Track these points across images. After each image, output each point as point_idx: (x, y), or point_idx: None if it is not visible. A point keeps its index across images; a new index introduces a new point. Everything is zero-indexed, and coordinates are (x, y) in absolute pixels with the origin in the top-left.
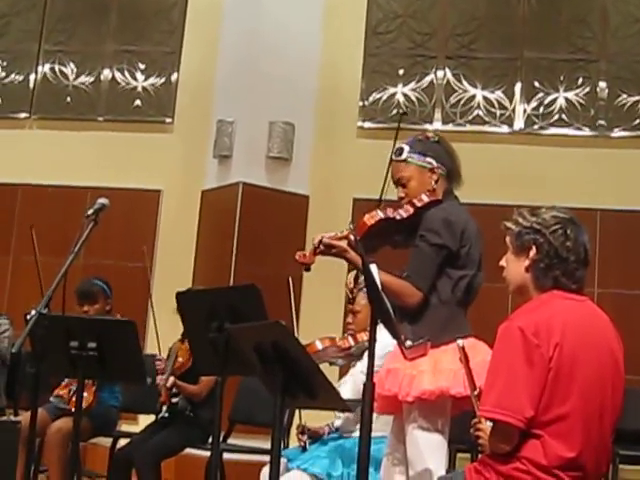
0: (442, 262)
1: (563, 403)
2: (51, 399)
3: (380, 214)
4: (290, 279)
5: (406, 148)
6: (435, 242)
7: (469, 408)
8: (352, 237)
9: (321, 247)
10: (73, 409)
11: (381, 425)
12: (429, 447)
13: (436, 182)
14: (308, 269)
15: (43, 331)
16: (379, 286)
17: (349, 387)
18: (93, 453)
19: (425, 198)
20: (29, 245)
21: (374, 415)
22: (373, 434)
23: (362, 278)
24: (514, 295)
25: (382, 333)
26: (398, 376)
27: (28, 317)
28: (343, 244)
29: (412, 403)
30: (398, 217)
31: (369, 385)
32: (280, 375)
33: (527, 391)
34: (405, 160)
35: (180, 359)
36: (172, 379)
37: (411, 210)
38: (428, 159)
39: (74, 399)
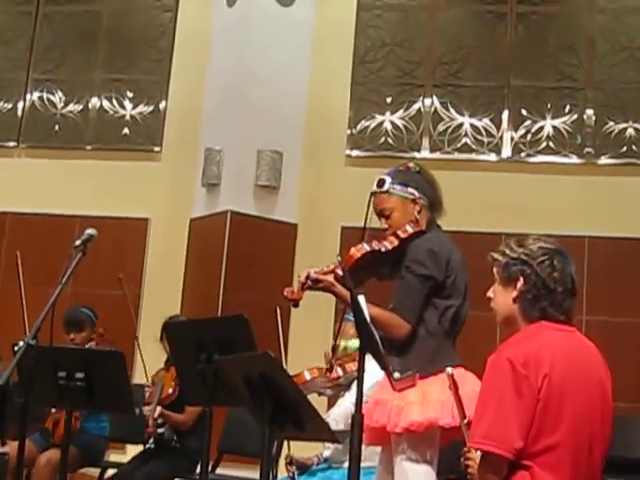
0: (428, 293)
1: (552, 434)
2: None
3: (366, 247)
4: (278, 309)
5: (388, 179)
6: (421, 273)
7: (458, 438)
8: (339, 271)
9: (308, 282)
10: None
11: (370, 455)
12: (417, 478)
13: (419, 212)
14: (296, 305)
15: (31, 362)
16: (367, 318)
17: (338, 418)
18: None
19: (409, 229)
20: (16, 274)
21: (362, 446)
22: (362, 464)
23: (350, 314)
24: (502, 326)
25: (371, 363)
26: (386, 407)
27: (16, 348)
28: (330, 278)
29: (400, 434)
30: (383, 249)
31: (357, 417)
32: (268, 406)
33: (516, 422)
34: (387, 191)
35: (169, 389)
36: (159, 409)
37: (395, 242)
38: (410, 190)
39: (58, 431)
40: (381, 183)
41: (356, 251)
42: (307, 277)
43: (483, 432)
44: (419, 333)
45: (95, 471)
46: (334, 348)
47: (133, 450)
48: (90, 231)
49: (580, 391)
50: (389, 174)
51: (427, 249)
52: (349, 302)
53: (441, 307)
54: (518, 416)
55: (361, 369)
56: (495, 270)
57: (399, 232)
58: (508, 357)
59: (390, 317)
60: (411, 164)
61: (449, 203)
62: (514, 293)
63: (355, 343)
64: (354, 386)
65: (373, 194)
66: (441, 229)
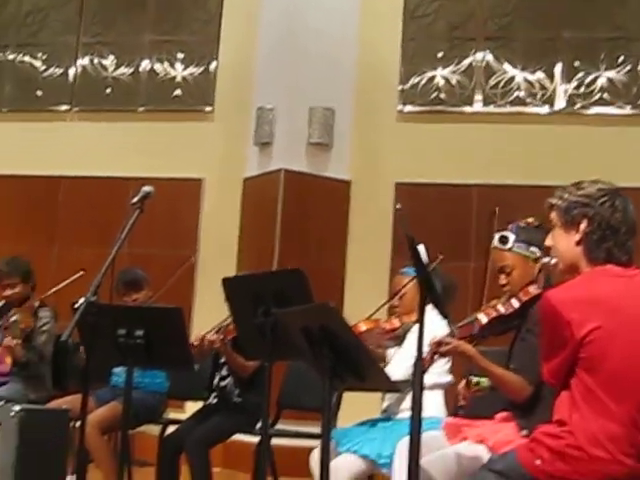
0: None
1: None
2: None
3: (494, 313)
4: None
5: (511, 237)
6: None
7: None
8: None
9: (437, 349)
10: None
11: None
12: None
13: (539, 271)
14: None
15: (92, 319)
16: (427, 268)
17: (397, 367)
18: (141, 441)
19: (532, 291)
20: (72, 236)
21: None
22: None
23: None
24: (563, 274)
25: (428, 315)
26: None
27: (76, 306)
28: (456, 341)
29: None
30: (505, 312)
31: (419, 364)
32: (328, 358)
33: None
34: (510, 249)
35: (233, 326)
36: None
37: (517, 305)
38: (532, 248)
39: None
40: (504, 240)
41: (484, 315)
42: (436, 345)
43: None
44: (543, 393)
45: (155, 428)
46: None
47: (192, 407)
48: (147, 188)
49: (633, 340)
50: (512, 230)
51: None
52: (477, 362)
53: None
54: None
55: (421, 319)
56: (554, 215)
57: (521, 295)
58: (554, 300)
59: (514, 380)
60: (530, 219)
61: (502, 157)
62: (577, 236)
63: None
64: (409, 338)
65: (494, 249)
66: None
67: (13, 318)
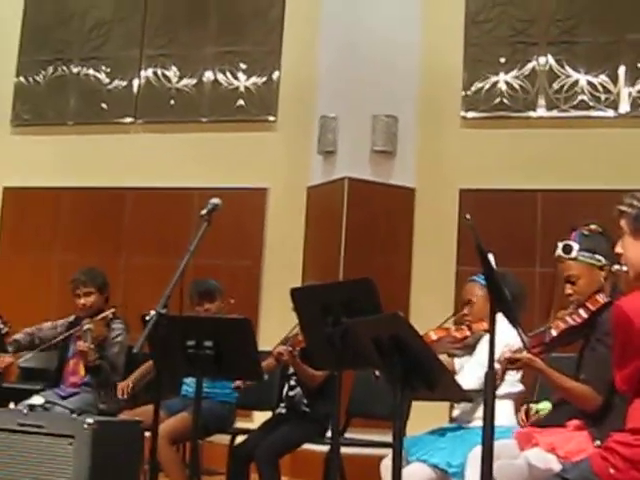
0: None
1: None
2: None
3: (563, 326)
4: None
5: (575, 246)
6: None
7: None
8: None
9: (509, 366)
10: None
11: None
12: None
13: (605, 279)
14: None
15: (162, 331)
16: (497, 277)
17: (469, 377)
18: (210, 450)
19: (600, 299)
20: (138, 247)
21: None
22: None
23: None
24: (634, 281)
25: (499, 324)
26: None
27: (147, 318)
28: (526, 355)
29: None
30: (574, 323)
31: (491, 374)
32: (399, 367)
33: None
34: (575, 258)
35: (301, 337)
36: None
37: (586, 315)
38: (597, 256)
39: None
40: (568, 250)
41: (554, 327)
42: (507, 360)
43: None
44: (614, 402)
45: (224, 438)
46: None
47: (260, 417)
48: (215, 200)
49: None
50: (575, 240)
51: None
52: (547, 376)
53: None
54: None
55: (492, 329)
56: (624, 223)
57: (589, 304)
58: (626, 308)
59: (584, 390)
60: (593, 226)
61: (567, 161)
62: None
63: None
64: (480, 347)
65: (558, 258)
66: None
67: (86, 327)
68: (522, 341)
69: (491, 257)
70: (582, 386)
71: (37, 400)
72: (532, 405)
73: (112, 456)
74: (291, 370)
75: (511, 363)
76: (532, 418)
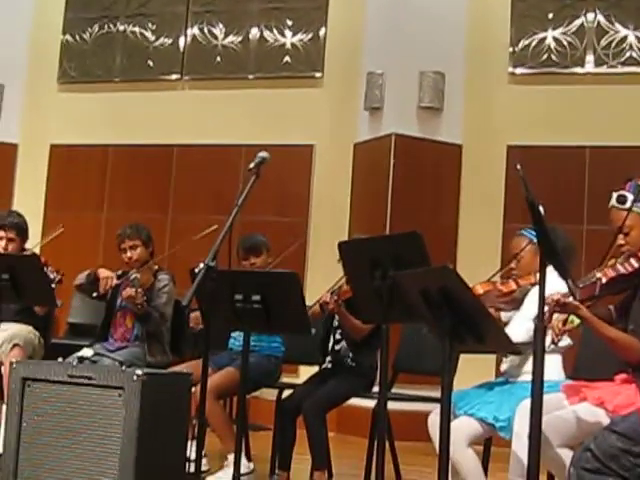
0: None
1: None
2: None
3: (612, 273)
4: None
5: (629, 196)
6: None
7: None
8: (577, 294)
9: (556, 308)
10: None
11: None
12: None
13: None
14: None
15: (211, 284)
16: (547, 229)
17: (517, 329)
18: (256, 405)
19: None
20: (185, 204)
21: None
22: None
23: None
24: None
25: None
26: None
27: (196, 270)
28: (575, 302)
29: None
30: (625, 272)
31: (540, 326)
32: (448, 320)
33: None
34: (629, 209)
35: (347, 287)
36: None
37: (637, 265)
38: None
39: None
40: (622, 199)
41: (603, 275)
42: (556, 302)
43: None
44: None
45: (270, 392)
46: (565, 321)
47: (305, 371)
48: (263, 154)
49: None
50: (629, 190)
51: None
52: (593, 325)
53: None
54: None
55: (542, 282)
56: None
57: None
58: None
59: (630, 341)
60: None
61: (615, 117)
62: None
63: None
64: (527, 300)
65: (612, 209)
66: None
67: (133, 276)
68: (571, 292)
69: (541, 208)
70: (628, 336)
71: (86, 352)
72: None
73: (161, 408)
74: (336, 323)
75: (559, 306)
76: (568, 326)
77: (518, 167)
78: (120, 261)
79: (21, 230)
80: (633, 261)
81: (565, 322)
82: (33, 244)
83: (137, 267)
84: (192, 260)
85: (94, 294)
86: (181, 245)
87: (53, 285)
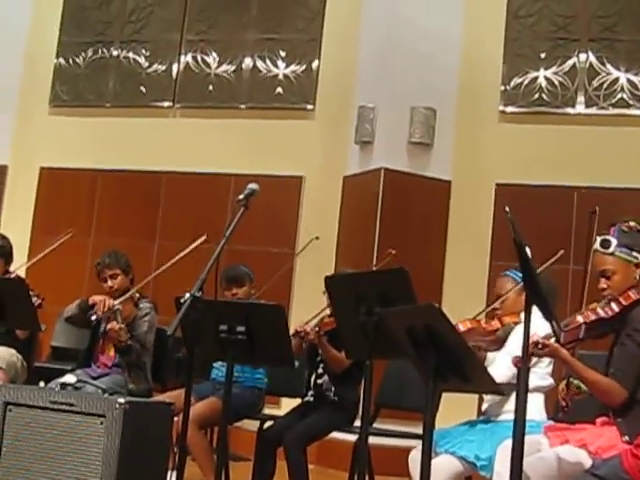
0: None
1: None
2: None
3: (593, 317)
4: None
5: (614, 241)
6: None
7: None
8: (562, 338)
9: (535, 350)
10: None
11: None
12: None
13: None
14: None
15: (196, 314)
16: (534, 271)
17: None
18: (237, 435)
19: (632, 295)
20: (173, 231)
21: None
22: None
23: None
24: None
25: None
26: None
27: (182, 300)
28: (554, 344)
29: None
30: (605, 316)
31: (524, 366)
32: (432, 358)
33: None
34: (612, 254)
35: (329, 319)
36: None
37: (617, 309)
38: (635, 253)
39: None
40: (606, 244)
41: (584, 317)
42: (535, 344)
43: None
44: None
45: (252, 423)
46: (569, 384)
47: (287, 403)
48: (252, 185)
49: None
50: (614, 235)
51: None
52: (572, 368)
53: None
54: None
55: (527, 321)
56: None
57: (621, 299)
58: None
59: (609, 384)
60: (632, 223)
61: (604, 158)
62: None
63: None
64: (511, 338)
65: (595, 252)
66: None
67: (116, 308)
68: (555, 334)
69: (528, 250)
70: (608, 380)
71: (69, 379)
72: (573, 380)
73: (142, 437)
74: (319, 358)
75: (538, 348)
76: (572, 391)
77: (507, 209)
78: (104, 289)
79: (4, 253)
80: (614, 305)
81: (568, 386)
82: (19, 265)
83: (118, 296)
84: (177, 286)
85: (93, 318)
86: (167, 267)
87: None
